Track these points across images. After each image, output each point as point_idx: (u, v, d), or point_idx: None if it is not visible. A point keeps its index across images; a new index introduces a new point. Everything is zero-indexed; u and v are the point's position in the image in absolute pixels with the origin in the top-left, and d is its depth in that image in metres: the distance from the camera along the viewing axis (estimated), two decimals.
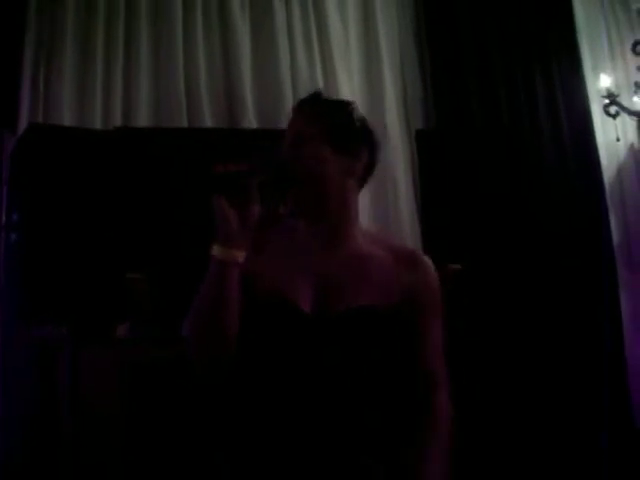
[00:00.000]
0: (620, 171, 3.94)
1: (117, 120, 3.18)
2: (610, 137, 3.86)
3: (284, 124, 3.37)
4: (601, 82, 3.81)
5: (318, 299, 1.47)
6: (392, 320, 1.49)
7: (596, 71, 3.93)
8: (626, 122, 3.91)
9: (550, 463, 3.17)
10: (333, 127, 1.55)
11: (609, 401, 3.46)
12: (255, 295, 1.44)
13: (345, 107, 1.64)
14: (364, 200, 3.36)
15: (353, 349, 1.46)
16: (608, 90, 3.76)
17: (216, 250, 1.37)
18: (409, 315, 1.51)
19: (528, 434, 3.18)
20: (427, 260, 1.58)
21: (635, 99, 3.85)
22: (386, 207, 3.49)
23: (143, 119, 3.23)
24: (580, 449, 3.30)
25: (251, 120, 3.37)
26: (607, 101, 3.76)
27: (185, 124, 3.25)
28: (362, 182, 1.60)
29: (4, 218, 2.74)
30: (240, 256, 1.37)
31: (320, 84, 3.54)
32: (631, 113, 3.82)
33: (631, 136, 3.96)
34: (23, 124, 2.98)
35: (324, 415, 1.41)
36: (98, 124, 3.13)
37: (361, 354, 1.47)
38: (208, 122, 3.31)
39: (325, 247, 1.52)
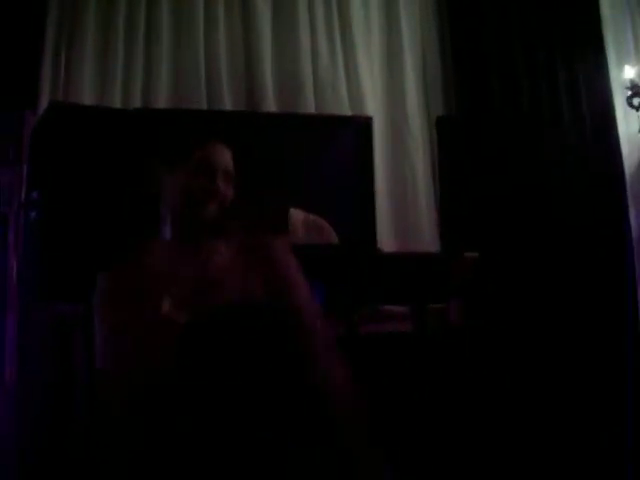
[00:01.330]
0: None
1: (137, 101, 3.19)
2: (632, 129, 3.81)
3: (303, 109, 3.41)
4: (625, 73, 3.77)
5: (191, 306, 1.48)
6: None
7: (620, 62, 3.88)
8: None
9: (569, 463, 3.15)
10: None
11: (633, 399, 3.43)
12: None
13: None
14: (381, 187, 3.36)
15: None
16: (632, 82, 3.72)
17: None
18: None
19: (545, 427, 3.16)
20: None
21: None
22: (404, 194, 3.47)
23: (162, 101, 3.23)
24: (601, 449, 3.28)
25: (270, 104, 3.36)
26: (630, 93, 3.72)
27: (204, 107, 3.24)
28: None
29: (24, 196, 2.75)
30: None
31: (341, 70, 3.53)
32: None
33: None
34: (44, 104, 2.98)
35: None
36: (118, 105, 3.14)
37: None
38: (227, 105, 3.30)
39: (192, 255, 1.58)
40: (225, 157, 1.62)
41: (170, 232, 1.58)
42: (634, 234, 3.73)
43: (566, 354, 3.37)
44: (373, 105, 3.53)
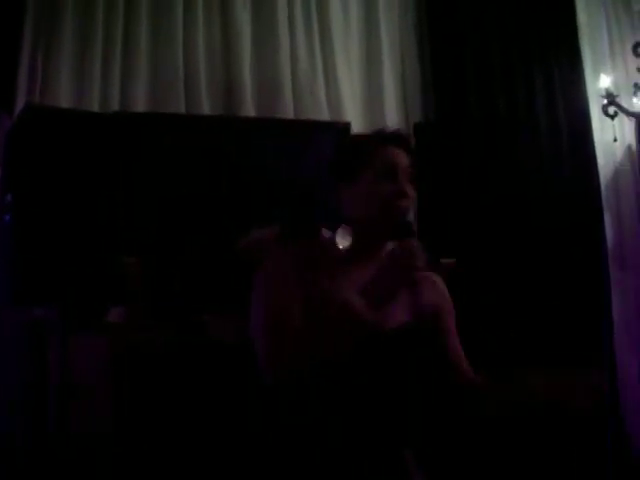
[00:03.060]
0: (616, 172, 3.94)
1: (115, 104, 3.16)
2: (607, 137, 3.85)
3: (282, 113, 3.41)
4: (601, 82, 3.80)
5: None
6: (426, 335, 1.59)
7: (596, 71, 3.93)
8: (624, 123, 3.91)
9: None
10: None
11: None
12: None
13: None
14: None
15: (405, 363, 1.53)
16: (607, 90, 3.75)
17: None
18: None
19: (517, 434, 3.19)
20: (440, 279, 1.69)
21: (634, 100, 3.84)
22: None
23: (141, 104, 3.22)
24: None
25: (249, 109, 3.35)
26: (606, 101, 3.76)
27: (183, 110, 3.24)
28: None
29: None
30: None
31: (319, 74, 3.54)
32: (629, 114, 3.82)
33: (628, 137, 3.95)
34: (20, 106, 2.96)
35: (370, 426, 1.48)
36: (95, 108, 3.11)
37: (411, 367, 1.54)
38: (206, 109, 3.30)
39: (368, 265, 1.54)
40: (404, 159, 1.56)
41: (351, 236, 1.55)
42: (608, 241, 3.78)
43: (545, 362, 3.40)
44: (352, 110, 3.54)
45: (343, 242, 1.55)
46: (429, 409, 1.62)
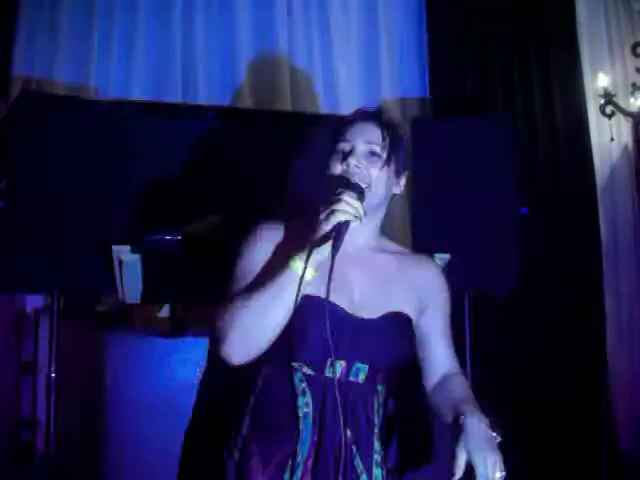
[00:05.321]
0: (612, 171, 3.94)
1: (112, 91, 3.16)
2: (604, 137, 3.86)
3: (279, 106, 3.40)
4: (599, 81, 3.81)
5: (355, 302, 1.55)
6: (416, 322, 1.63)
7: (594, 70, 3.93)
8: (621, 123, 3.91)
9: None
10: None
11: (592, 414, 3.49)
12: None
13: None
14: None
15: (396, 351, 1.57)
16: (605, 90, 3.76)
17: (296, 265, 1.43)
18: (427, 316, 1.65)
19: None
20: (435, 263, 1.74)
21: (632, 100, 3.85)
22: None
23: (137, 93, 3.21)
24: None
25: (246, 100, 3.35)
26: (603, 101, 3.76)
27: (180, 99, 3.24)
28: None
29: None
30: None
31: (318, 69, 3.53)
32: (627, 114, 3.82)
33: (625, 137, 3.96)
34: (16, 92, 2.94)
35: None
36: (92, 96, 3.11)
37: (401, 355, 1.59)
38: (203, 99, 3.29)
39: (361, 254, 1.61)
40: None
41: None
42: (603, 241, 3.78)
43: (538, 360, 3.40)
44: (349, 104, 3.53)
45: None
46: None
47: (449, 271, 2.65)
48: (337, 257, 1.43)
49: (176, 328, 2.50)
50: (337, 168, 1.57)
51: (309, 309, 1.45)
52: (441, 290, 1.70)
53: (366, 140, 1.58)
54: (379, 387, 1.57)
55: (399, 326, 1.57)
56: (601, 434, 3.49)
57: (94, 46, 3.17)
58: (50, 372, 2.35)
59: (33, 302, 2.85)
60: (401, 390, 1.66)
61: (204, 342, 2.23)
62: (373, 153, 1.58)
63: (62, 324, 2.39)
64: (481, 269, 2.85)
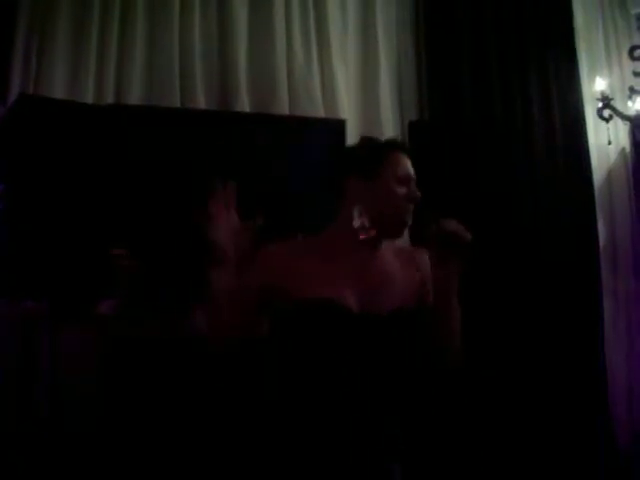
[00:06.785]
0: (610, 174, 3.96)
1: (109, 97, 3.14)
2: (602, 140, 3.86)
3: (277, 109, 3.40)
4: (596, 85, 3.81)
5: (362, 301, 1.59)
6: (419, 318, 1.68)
7: (592, 74, 3.94)
8: (618, 126, 3.91)
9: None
10: None
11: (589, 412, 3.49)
12: (302, 299, 1.56)
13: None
14: None
15: (402, 347, 1.62)
16: (603, 93, 3.76)
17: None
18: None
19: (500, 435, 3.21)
20: (426, 255, 1.75)
21: (629, 104, 3.85)
22: None
23: (135, 97, 3.20)
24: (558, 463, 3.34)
25: (244, 104, 3.34)
26: (601, 104, 3.76)
27: (178, 104, 3.22)
28: None
29: None
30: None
31: (315, 71, 3.53)
32: (624, 117, 3.82)
33: (623, 140, 3.97)
34: (14, 96, 2.94)
35: (367, 409, 1.55)
36: (90, 100, 3.09)
37: (406, 351, 1.63)
38: (201, 103, 3.28)
39: (362, 254, 1.66)
40: (411, 168, 1.72)
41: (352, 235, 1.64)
42: (601, 244, 3.78)
43: (536, 362, 3.41)
44: (347, 108, 3.53)
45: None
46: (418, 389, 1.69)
47: None
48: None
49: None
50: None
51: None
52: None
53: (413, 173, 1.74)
54: None
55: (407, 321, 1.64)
56: (599, 435, 3.49)
57: (92, 50, 3.17)
58: (49, 377, 2.35)
59: (31, 307, 2.85)
60: None
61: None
62: None
63: (61, 329, 2.39)
64: None
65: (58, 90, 3.05)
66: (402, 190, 1.64)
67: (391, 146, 1.70)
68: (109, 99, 3.13)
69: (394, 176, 1.64)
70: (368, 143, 1.74)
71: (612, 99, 3.75)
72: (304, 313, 1.55)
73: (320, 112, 3.45)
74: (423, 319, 1.65)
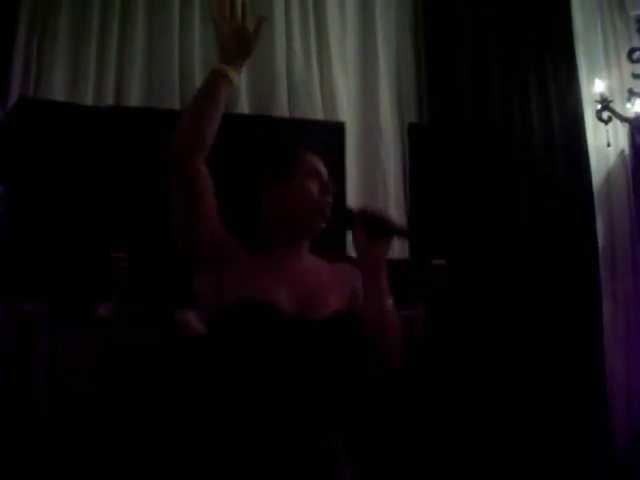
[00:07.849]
0: (609, 176, 3.97)
1: (109, 98, 3.16)
2: (601, 142, 3.86)
3: (277, 111, 3.40)
4: (595, 87, 3.81)
5: (298, 304, 1.60)
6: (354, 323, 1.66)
7: (591, 76, 3.94)
8: (618, 128, 3.92)
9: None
10: None
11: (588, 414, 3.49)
12: (238, 300, 1.55)
13: None
14: (352, 192, 3.37)
15: (340, 351, 1.60)
16: (602, 95, 3.76)
17: (216, 65, 1.61)
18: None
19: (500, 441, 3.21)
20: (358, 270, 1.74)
21: (628, 106, 3.86)
22: (374, 200, 3.48)
23: (135, 99, 3.21)
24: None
25: (243, 106, 3.35)
26: (600, 106, 3.77)
27: (178, 106, 3.22)
28: None
29: None
30: (233, 75, 1.62)
31: (315, 73, 3.54)
32: (623, 119, 3.82)
33: (622, 142, 3.97)
34: (14, 98, 2.95)
35: (311, 410, 1.53)
36: (90, 102, 3.11)
37: (344, 355, 1.61)
38: None
39: (295, 260, 1.69)
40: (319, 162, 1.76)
41: (277, 237, 1.68)
42: (599, 245, 3.79)
43: (535, 363, 3.41)
44: (346, 110, 3.54)
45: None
46: (358, 394, 1.66)
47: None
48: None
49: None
50: None
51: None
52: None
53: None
54: None
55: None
56: (597, 438, 3.50)
57: (92, 52, 3.17)
58: (48, 379, 2.36)
59: (31, 309, 2.85)
60: None
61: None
62: None
63: (60, 332, 2.39)
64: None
65: (58, 92, 3.07)
66: (314, 183, 1.68)
67: (300, 148, 1.76)
68: (109, 101, 3.15)
69: (304, 173, 1.69)
70: (281, 146, 1.84)
71: (611, 101, 3.75)
72: (239, 314, 1.54)
73: (319, 114, 3.46)
74: (357, 324, 1.63)
